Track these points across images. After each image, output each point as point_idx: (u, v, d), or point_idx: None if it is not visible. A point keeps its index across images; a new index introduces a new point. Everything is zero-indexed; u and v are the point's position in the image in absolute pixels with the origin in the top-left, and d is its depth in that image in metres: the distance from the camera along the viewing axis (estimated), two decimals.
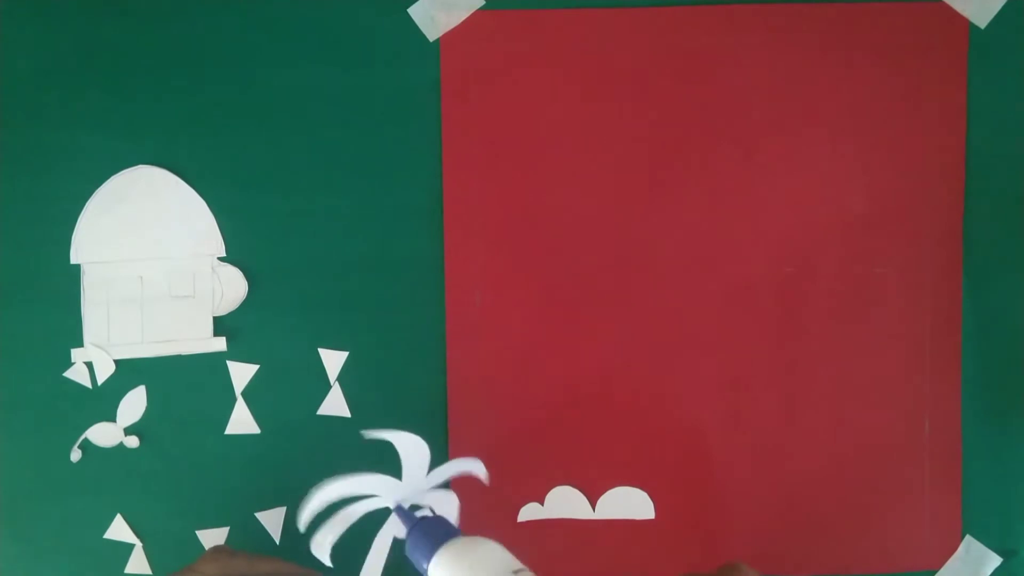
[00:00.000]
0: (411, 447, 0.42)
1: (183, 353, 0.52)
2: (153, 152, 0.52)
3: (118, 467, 0.53)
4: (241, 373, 0.53)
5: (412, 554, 0.40)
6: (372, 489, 0.41)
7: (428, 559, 0.39)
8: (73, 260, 0.52)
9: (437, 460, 0.53)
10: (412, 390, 0.53)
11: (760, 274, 0.53)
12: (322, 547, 0.41)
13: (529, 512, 0.53)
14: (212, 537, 0.53)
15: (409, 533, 0.40)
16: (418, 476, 0.43)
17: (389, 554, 0.42)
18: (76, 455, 0.52)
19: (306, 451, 0.53)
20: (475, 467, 0.45)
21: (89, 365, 0.52)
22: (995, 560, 0.53)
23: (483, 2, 0.52)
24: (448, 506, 0.44)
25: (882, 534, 0.53)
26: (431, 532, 0.40)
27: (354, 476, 0.40)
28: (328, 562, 0.41)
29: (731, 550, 0.54)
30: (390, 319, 0.53)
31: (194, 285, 0.52)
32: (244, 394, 0.53)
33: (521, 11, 0.52)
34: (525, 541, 0.53)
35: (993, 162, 0.53)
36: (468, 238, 0.53)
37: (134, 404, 0.52)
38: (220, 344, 0.52)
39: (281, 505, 0.53)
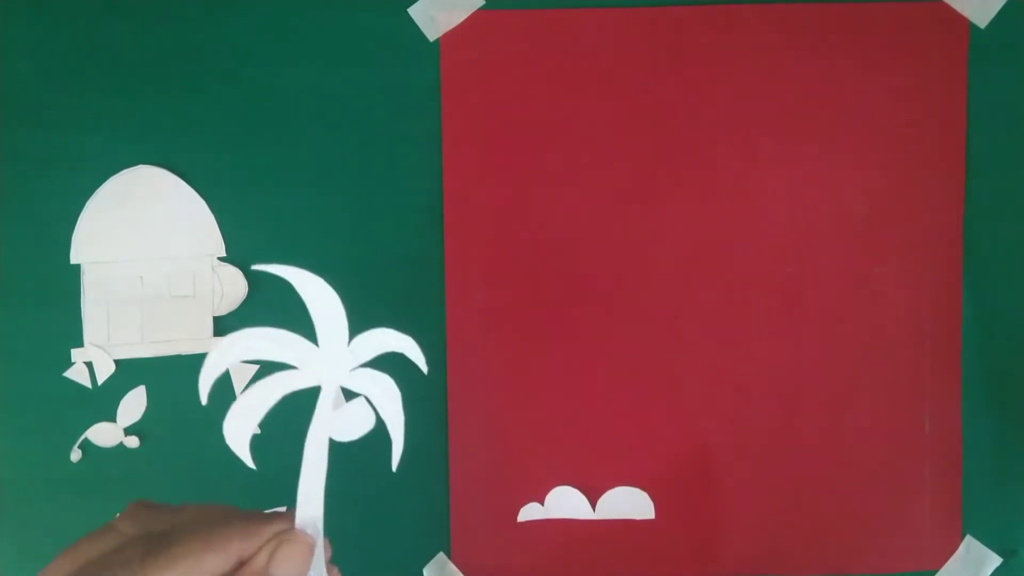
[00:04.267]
0: (318, 295, 0.34)
1: (183, 353, 0.52)
2: (153, 152, 0.52)
3: (118, 467, 0.53)
4: (241, 373, 0.53)
5: None
6: (286, 353, 0.34)
7: None
8: (73, 260, 0.52)
9: (437, 463, 0.54)
10: (412, 390, 0.53)
11: (760, 274, 0.53)
12: (238, 439, 0.34)
13: (529, 512, 0.53)
14: None
15: None
16: (337, 342, 0.34)
17: (329, 461, 0.36)
18: (76, 455, 0.52)
19: None
20: (408, 346, 0.36)
21: (89, 365, 0.52)
22: (995, 560, 0.53)
23: (483, 2, 0.52)
24: (386, 396, 0.36)
25: (882, 534, 0.53)
26: None
27: (261, 329, 0.33)
28: (250, 461, 0.35)
29: (731, 550, 0.54)
30: (390, 319, 0.53)
31: (194, 285, 0.52)
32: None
33: (521, 11, 0.52)
34: (525, 541, 0.53)
35: (993, 162, 0.53)
36: (468, 238, 0.53)
37: (134, 404, 0.52)
38: None
39: (281, 505, 0.53)
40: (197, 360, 0.53)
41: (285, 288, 0.54)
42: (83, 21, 0.52)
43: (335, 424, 0.35)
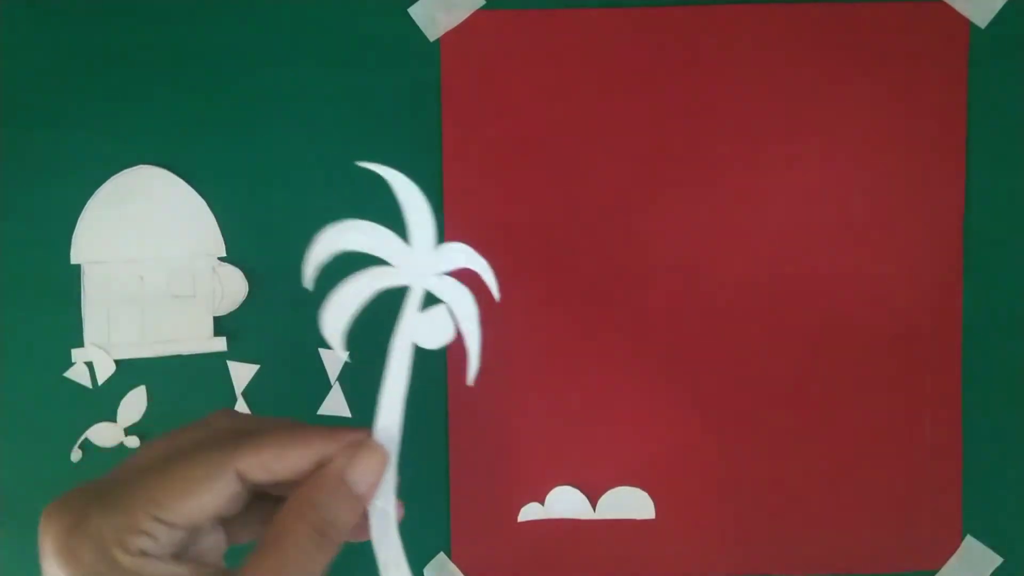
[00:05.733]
0: (410, 196, 0.35)
1: (183, 353, 0.52)
2: (153, 152, 0.52)
3: None
4: (241, 373, 0.53)
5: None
6: (382, 249, 0.35)
7: None
8: (73, 260, 0.52)
9: (437, 463, 0.54)
10: (412, 390, 0.53)
11: (760, 274, 0.53)
12: (333, 331, 0.35)
13: (529, 512, 0.53)
14: None
15: None
16: (427, 244, 0.35)
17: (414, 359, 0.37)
18: (76, 455, 0.52)
19: None
20: (484, 268, 0.38)
21: (89, 365, 0.52)
22: (995, 560, 0.53)
23: (483, 2, 0.52)
24: (464, 309, 0.37)
25: (882, 534, 0.53)
26: None
27: (361, 222, 0.35)
28: (343, 352, 0.35)
29: (731, 550, 0.54)
30: (390, 319, 0.53)
31: (194, 285, 0.52)
32: (244, 394, 0.53)
33: (521, 11, 0.52)
34: (525, 541, 0.53)
35: (993, 162, 0.53)
36: (468, 238, 0.53)
37: (134, 404, 0.52)
38: (220, 344, 0.52)
39: None
40: (197, 360, 0.53)
41: (285, 289, 0.53)
42: (83, 21, 0.52)
43: (420, 329, 0.36)
